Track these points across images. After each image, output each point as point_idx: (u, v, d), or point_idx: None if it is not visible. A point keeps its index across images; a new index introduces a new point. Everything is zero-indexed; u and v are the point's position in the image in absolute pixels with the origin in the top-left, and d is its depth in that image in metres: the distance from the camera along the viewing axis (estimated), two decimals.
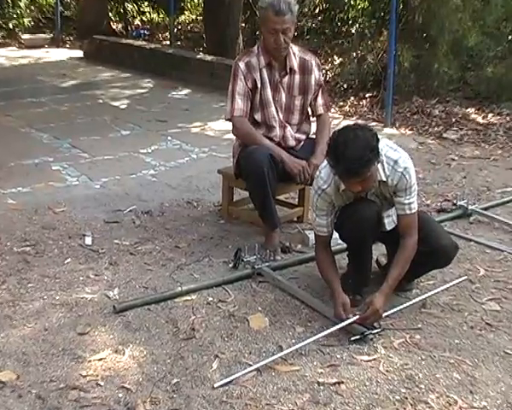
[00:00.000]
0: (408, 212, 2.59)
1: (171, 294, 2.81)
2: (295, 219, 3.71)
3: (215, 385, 2.22)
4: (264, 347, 2.48)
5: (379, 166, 2.50)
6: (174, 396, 2.18)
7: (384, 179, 2.54)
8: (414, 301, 2.74)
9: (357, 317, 2.51)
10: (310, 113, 3.37)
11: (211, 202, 3.94)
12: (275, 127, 3.26)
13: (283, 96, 3.24)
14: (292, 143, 3.34)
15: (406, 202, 2.57)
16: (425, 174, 4.44)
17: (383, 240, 2.90)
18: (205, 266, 3.13)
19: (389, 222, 2.73)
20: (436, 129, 5.43)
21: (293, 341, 2.52)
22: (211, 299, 2.82)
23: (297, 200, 3.76)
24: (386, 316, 2.62)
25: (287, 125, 3.29)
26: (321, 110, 3.33)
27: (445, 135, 5.29)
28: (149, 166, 4.52)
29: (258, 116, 3.25)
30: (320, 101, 3.32)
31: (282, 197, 3.77)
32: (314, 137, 3.34)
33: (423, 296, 2.78)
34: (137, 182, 4.21)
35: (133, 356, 2.39)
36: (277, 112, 3.26)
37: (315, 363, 2.38)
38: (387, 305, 2.59)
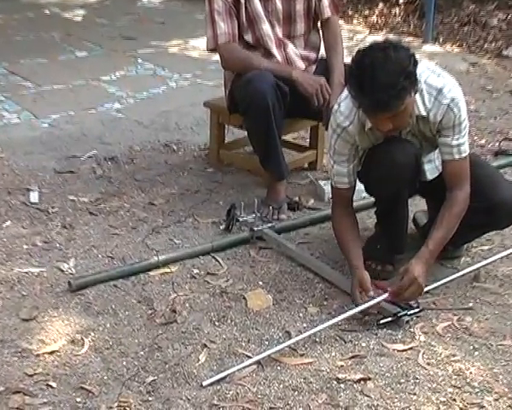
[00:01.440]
0: (456, 156, 2.57)
1: (145, 265, 2.84)
2: (306, 165, 3.72)
3: (203, 384, 2.23)
4: (266, 333, 2.49)
5: (417, 96, 2.48)
6: (150, 399, 2.18)
7: (424, 114, 2.53)
8: (463, 272, 2.76)
9: (387, 294, 2.51)
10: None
11: (195, 144, 3.94)
12: (272, 49, 3.23)
13: (278, 2, 3.19)
14: (300, 64, 3.30)
15: (454, 143, 2.56)
16: (478, 105, 4.41)
17: (423, 193, 2.92)
18: (188, 228, 3.16)
19: (431, 169, 2.73)
20: (494, 45, 5.37)
21: (305, 325, 2.53)
22: (196, 271, 2.84)
23: (308, 141, 3.76)
24: (427, 292, 2.62)
25: (287, 42, 3.26)
26: (328, 12, 3.25)
27: (505, 53, 5.24)
28: (114, 98, 4.51)
29: (248, 37, 3.22)
30: (326, 0, 3.25)
31: (289, 138, 3.76)
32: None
33: (476, 266, 2.79)
34: (98, 119, 4.19)
35: (95, 348, 2.39)
36: (273, 27, 3.22)
37: (333, 354, 2.39)
38: (428, 277, 2.58)
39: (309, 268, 2.84)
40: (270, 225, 3.08)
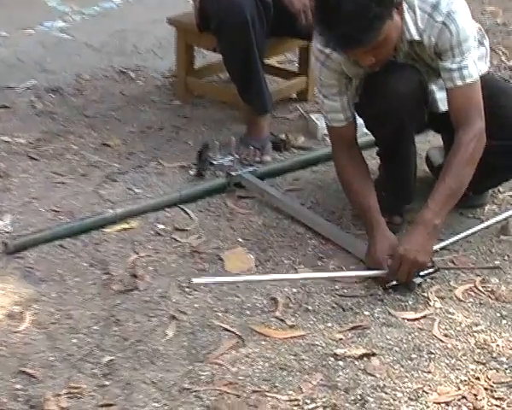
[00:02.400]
0: (459, 83, 2.54)
1: (98, 221, 2.84)
2: (295, 95, 3.73)
3: (193, 280, 2.42)
4: (247, 301, 2.49)
5: (407, 16, 2.48)
6: (106, 384, 2.17)
7: (417, 38, 2.53)
8: (488, 222, 2.78)
9: (384, 271, 2.53)
10: None
11: (158, 71, 3.95)
12: None
13: None
14: None
15: (455, 66, 2.53)
16: (507, 17, 4.30)
17: (436, 127, 2.95)
18: (151, 174, 3.18)
19: (444, 99, 2.70)
20: None
21: (295, 290, 2.53)
22: (161, 227, 2.85)
23: (297, 65, 3.76)
24: (443, 248, 2.66)
25: None
26: None
27: None
28: (56, 14, 4.51)
29: None
30: None
31: (273, 61, 3.77)
32: None
33: (503, 215, 2.82)
34: (37, 41, 4.19)
35: (38, 323, 2.38)
36: None
37: (329, 324, 2.39)
38: (445, 230, 2.65)
39: (299, 221, 2.85)
40: (250, 168, 3.09)
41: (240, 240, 2.78)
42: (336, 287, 2.52)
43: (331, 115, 2.70)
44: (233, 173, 3.03)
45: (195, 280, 2.44)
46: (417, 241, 2.49)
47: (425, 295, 2.51)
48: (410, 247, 2.48)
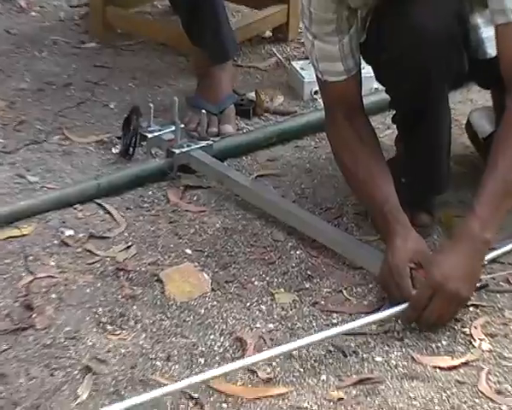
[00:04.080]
0: None
1: None
2: (269, 33, 3.79)
3: None
4: (200, 343, 2.49)
5: None
6: None
7: None
8: None
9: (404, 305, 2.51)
10: None
11: None
12: None
13: None
14: None
15: None
16: None
17: (483, 80, 2.99)
18: (53, 153, 3.24)
19: (494, 38, 2.70)
20: None
21: (272, 326, 2.54)
22: (70, 234, 2.88)
23: None
24: (494, 261, 2.71)
25: None
26: None
27: None
28: None
29: None
30: None
31: None
32: None
33: None
34: None
35: None
36: None
37: (323, 377, 2.38)
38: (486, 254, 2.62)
39: (277, 222, 2.89)
40: (203, 144, 3.11)
41: (188, 252, 2.79)
42: (333, 319, 2.53)
43: (324, 65, 2.73)
44: (176, 151, 3.05)
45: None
46: (460, 264, 2.48)
47: (465, 329, 2.51)
48: (450, 272, 2.46)
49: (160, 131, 3.09)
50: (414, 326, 2.51)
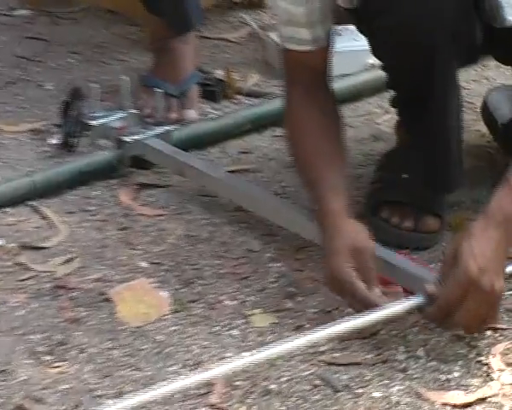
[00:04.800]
0: None
1: None
2: None
3: None
4: (158, 377, 2.42)
5: None
6: None
7: None
8: None
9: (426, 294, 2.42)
10: None
11: None
12: None
13: None
14: None
15: None
16: None
17: (501, 54, 2.99)
18: None
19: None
20: None
21: (244, 352, 2.45)
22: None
23: None
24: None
25: None
26: None
27: None
28: None
29: None
30: None
31: None
32: None
33: None
34: None
35: None
36: None
37: None
38: None
39: (251, 227, 2.87)
40: (161, 130, 3.10)
41: (143, 265, 2.73)
42: (321, 347, 2.46)
43: (288, 30, 2.70)
44: (128, 140, 3.02)
45: None
46: (494, 252, 2.43)
47: (483, 359, 2.44)
48: (487, 264, 2.39)
49: (107, 117, 3.05)
50: (419, 355, 2.45)
